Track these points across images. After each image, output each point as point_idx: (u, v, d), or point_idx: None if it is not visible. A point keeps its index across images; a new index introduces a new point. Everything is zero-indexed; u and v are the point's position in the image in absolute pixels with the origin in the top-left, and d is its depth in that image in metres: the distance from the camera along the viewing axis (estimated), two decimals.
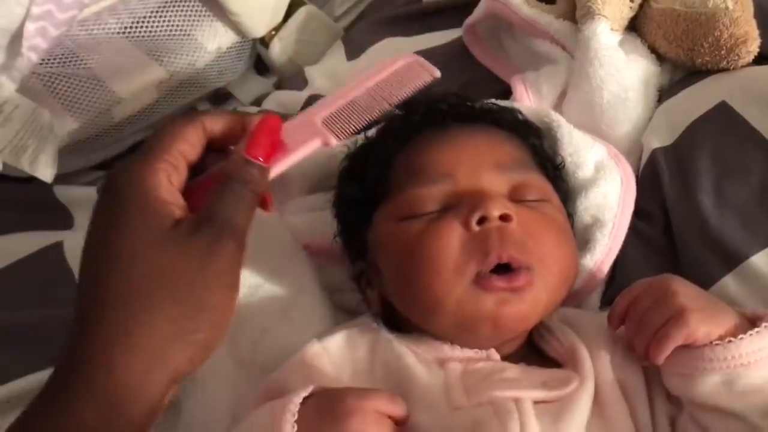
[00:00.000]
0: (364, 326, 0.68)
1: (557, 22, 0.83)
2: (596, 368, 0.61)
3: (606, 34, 0.77)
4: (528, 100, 0.80)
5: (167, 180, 0.50)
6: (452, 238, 0.60)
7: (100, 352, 0.46)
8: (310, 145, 0.56)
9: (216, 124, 0.54)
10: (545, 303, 0.61)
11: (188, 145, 0.52)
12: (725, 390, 0.55)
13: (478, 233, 0.59)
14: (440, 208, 0.62)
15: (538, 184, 0.65)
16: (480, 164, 0.63)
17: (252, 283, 0.74)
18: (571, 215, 0.72)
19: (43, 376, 0.79)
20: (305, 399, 0.54)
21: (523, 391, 0.58)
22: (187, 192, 0.52)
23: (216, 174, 0.53)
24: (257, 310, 0.73)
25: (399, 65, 0.60)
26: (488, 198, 0.60)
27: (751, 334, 0.54)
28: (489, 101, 0.77)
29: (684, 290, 0.57)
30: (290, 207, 0.85)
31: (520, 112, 0.74)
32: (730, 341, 0.54)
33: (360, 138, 0.76)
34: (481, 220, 0.59)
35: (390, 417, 0.54)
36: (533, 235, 0.60)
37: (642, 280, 0.60)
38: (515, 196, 0.63)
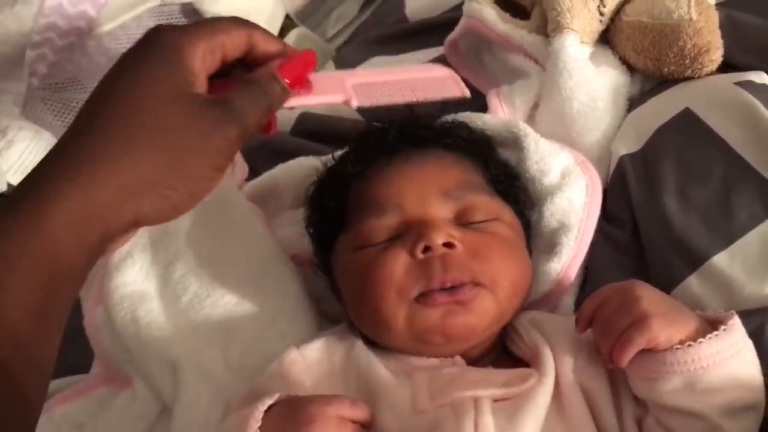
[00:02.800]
0: (341, 333, 0.72)
1: (530, 37, 0.86)
2: (559, 370, 0.63)
3: (575, 47, 0.80)
4: (502, 112, 0.83)
5: (202, 57, 0.52)
6: (398, 265, 0.64)
7: (82, 173, 0.48)
8: (332, 96, 0.61)
9: (261, 38, 0.56)
10: (494, 314, 0.65)
11: (230, 41, 0.55)
12: (686, 392, 0.56)
13: (423, 261, 0.63)
14: (390, 237, 0.66)
15: (485, 205, 0.68)
16: (426, 192, 0.67)
17: (242, 292, 0.77)
18: (528, 223, 0.75)
19: (52, 386, 0.82)
20: (272, 406, 0.58)
21: (482, 390, 0.60)
22: (211, 85, 0.55)
23: (243, 78, 0.56)
24: (247, 317, 0.76)
25: (438, 73, 0.66)
26: (432, 227, 0.64)
27: (710, 338, 0.56)
28: (460, 115, 0.80)
29: (647, 295, 0.59)
30: (279, 220, 0.88)
31: (472, 130, 0.77)
32: (690, 345, 0.56)
33: (335, 155, 0.80)
34: (426, 249, 0.63)
35: (354, 421, 0.58)
36: (479, 256, 0.64)
37: (609, 285, 0.62)
38: (462, 219, 0.67)
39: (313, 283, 0.81)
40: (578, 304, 0.76)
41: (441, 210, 0.66)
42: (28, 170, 0.94)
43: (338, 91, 0.61)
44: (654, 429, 0.60)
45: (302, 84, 0.58)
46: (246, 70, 0.57)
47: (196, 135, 0.51)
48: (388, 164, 0.70)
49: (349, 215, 0.71)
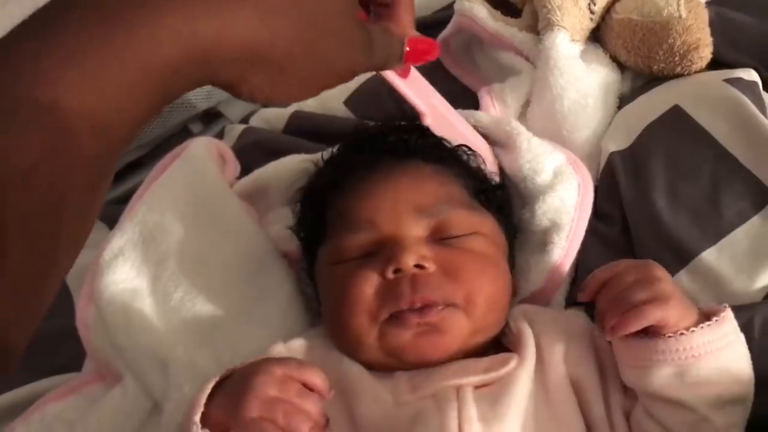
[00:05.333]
0: (325, 331, 0.72)
1: (521, 35, 0.86)
2: (549, 362, 0.63)
3: (565, 44, 0.80)
4: (494, 110, 0.83)
5: None
6: (369, 285, 0.64)
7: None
8: (417, 100, 0.70)
9: None
10: (469, 330, 0.64)
11: None
12: (677, 381, 0.57)
13: (393, 281, 0.63)
14: (364, 254, 0.66)
15: (462, 219, 0.67)
16: (400, 210, 0.66)
17: (234, 290, 0.77)
18: (514, 229, 0.75)
19: (44, 385, 0.82)
20: (225, 380, 0.58)
21: (464, 378, 0.61)
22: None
23: (380, 22, 0.58)
24: (238, 316, 0.76)
25: (479, 142, 0.77)
26: (403, 249, 0.63)
27: (702, 327, 0.56)
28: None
29: (666, 277, 0.60)
30: (270, 218, 0.88)
31: (447, 141, 0.76)
32: (682, 333, 0.56)
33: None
34: (397, 270, 0.63)
35: (306, 385, 0.56)
36: (452, 275, 0.64)
37: (623, 260, 0.62)
38: (437, 235, 0.66)
39: (305, 280, 0.81)
40: (569, 300, 0.76)
41: (414, 228, 0.66)
42: None
43: (423, 99, 0.68)
44: (642, 419, 0.61)
45: (415, 59, 0.60)
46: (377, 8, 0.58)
47: (341, 32, 0.49)
48: (363, 178, 0.70)
49: (326, 227, 0.71)
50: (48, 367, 0.85)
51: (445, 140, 0.75)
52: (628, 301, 0.57)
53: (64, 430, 0.76)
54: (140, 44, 0.39)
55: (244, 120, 1.15)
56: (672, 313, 0.57)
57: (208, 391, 0.56)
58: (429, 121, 0.64)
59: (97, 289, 0.76)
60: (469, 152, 0.76)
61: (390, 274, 0.63)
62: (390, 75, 0.65)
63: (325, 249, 0.70)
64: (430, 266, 0.63)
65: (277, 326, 0.76)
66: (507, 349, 0.67)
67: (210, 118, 1.21)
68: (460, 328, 0.63)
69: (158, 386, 0.75)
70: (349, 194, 0.70)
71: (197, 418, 0.54)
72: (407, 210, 0.66)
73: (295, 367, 0.56)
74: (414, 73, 0.67)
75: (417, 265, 0.63)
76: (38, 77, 0.37)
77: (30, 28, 0.39)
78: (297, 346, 0.69)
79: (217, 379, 0.58)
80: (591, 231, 0.75)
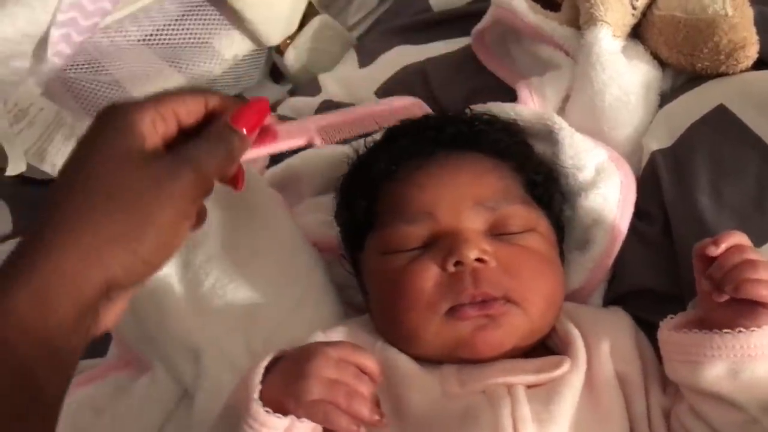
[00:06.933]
0: (366, 322, 0.71)
1: (561, 29, 0.85)
2: (594, 359, 0.63)
3: (608, 40, 0.79)
4: (532, 104, 0.82)
5: (150, 121, 0.54)
6: (428, 278, 0.63)
7: (42, 246, 0.49)
8: (296, 140, 0.64)
9: (217, 101, 0.58)
10: (525, 330, 0.64)
11: (184, 108, 0.56)
12: (729, 379, 0.56)
13: (453, 274, 0.62)
14: (421, 245, 0.65)
15: (520, 215, 0.67)
16: (460, 202, 0.65)
17: (265, 278, 0.77)
18: (562, 227, 0.74)
19: None
20: (276, 362, 0.58)
21: (515, 377, 0.60)
22: None
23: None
24: (270, 305, 0.76)
25: (402, 102, 0.67)
26: (465, 241, 0.63)
27: (762, 328, 0.55)
28: (492, 105, 0.79)
29: None
30: (300, 208, 0.87)
31: (510, 132, 0.75)
32: (740, 331, 0.55)
33: (368, 141, 0.79)
34: (457, 263, 0.62)
35: (361, 368, 0.57)
36: (512, 271, 0.63)
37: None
38: (496, 230, 0.65)
39: (336, 270, 0.81)
40: (606, 299, 0.75)
41: (474, 221, 0.65)
42: (47, 153, 0.94)
43: (302, 134, 0.63)
44: (686, 417, 0.60)
45: (264, 131, 0.59)
46: None
47: (148, 185, 0.51)
48: (421, 167, 0.69)
49: (378, 215, 0.70)
50: None
51: (504, 133, 0.74)
52: (754, 272, 0.56)
53: (92, 417, 0.76)
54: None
55: (272, 108, 1.14)
56: None
57: (262, 370, 0.56)
58: (318, 143, 0.63)
59: None
60: (525, 147, 0.75)
61: (451, 267, 0.62)
62: (254, 153, 0.62)
63: (376, 238, 0.69)
64: (491, 261, 0.63)
65: (309, 315, 0.76)
66: (551, 349, 0.66)
67: None
68: (517, 326, 0.63)
69: (188, 374, 0.74)
70: (405, 183, 0.68)
71: (257, 395, 0.54)
72: (467, 203, 0.65)
73: (351, 350, 0.57)
74: (283, 125, 0.65)
75: (478, 259, 0.62)
76: None
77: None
78: (337, 334, 0.68)
79: (269, 359, 0.58)
80: (630, 229, 0.74)
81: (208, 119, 0.58)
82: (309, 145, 0.63)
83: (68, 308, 0.48)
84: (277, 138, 0.62)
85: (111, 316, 0.54)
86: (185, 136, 0.56)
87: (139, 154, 0.52)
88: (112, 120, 0.53)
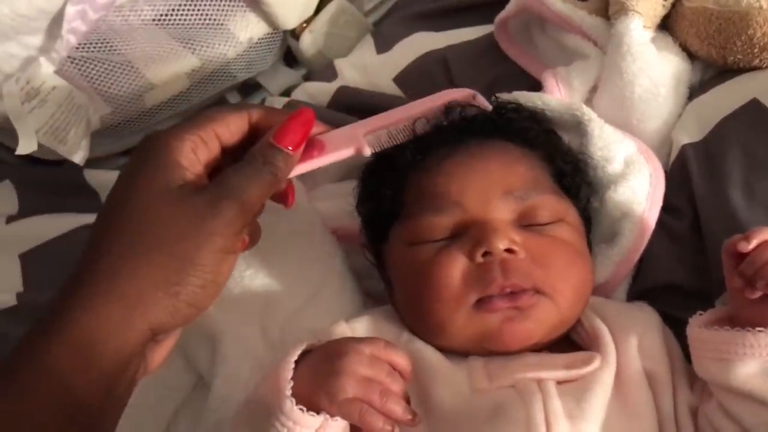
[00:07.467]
0: (388, 315, 0.70)
1: (590, 18, 0.83)
2: (623, 355, 0.62)
3: (639, 30, 0.78)
4: (559, 93, 0.81)
5: (191, 149, 0.52)
6: (456, 268, 0.62)
7: (82, 296, 0.48)
8: (345, 151, 0.59)
9: (261, 115, 0.56)
10: (554, 322, 0.63)
11: (226, 128, 0.54)
12: (762, 378, 0.55)
13: (482, 265, 0.61)
14: (449, 235, 0.64)
15: (549, 205, 0.66)
16: (489, 191, 0.64)
17: (283, 265, 0.75)
18: (589, 218, 0.73)
19: None
20: (304, 355, 0.57)
21: (545, 372, 0.59)
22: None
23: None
24: (287, 292, 0.75)
25: (453, 96, 0.64)
26: (493, 231, 0.61)
27: None
28: (518, 94, 0.78)
29: None
30: (320, 193, 0.86)
31: (538, 120, 0.74)
32: None
33: None
34: (486, 254, 0.61)
35: (392, 365, 0.55)
36: (541, 262, 0.62)
37: None
38: (525, 221, 0.64)
39: (355, 258, 0.79)
40: (630, 295, 0.74)
41: (503, 211, 0.64)
42: (59, 131, 0.92)
43: (350, 143, 0.59)
44: (715, 416, 0.59)
45: (310, 144, 0.57)
46: None
47: (189, 223, 0.50)
48: (449, 156, 0.67)
49: (404, 205, 0.69)
50: None
51: (533, 123, 0.72)
52: None
53: None
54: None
55: (286, 93, 1.12)
56: None
57: (292, 366, 0.55)
58: (367, 151, 0.60)
59: None
60: (554, 136, 0.73)
61: (479, 258, 0.61)
62: (302, 168, 0.58)
63: (402, 228, 0.68)
64: (521, 252, 0.62)
65: (327, 303, 0.75)
66: (575, 343, 0.65)
67: (248, 89, 1.18)
68: (546, 317, 0.62)
69: (205, 362, 0.73)
70: (433, 173, 0.67)
71: (289, 391, 0.53)
72: (496, 192, 0.64)
73: (383, 347, 0.55)
74: (329, 134, 0.61)
75: (507, 250, 0.61)
76: None
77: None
78: (361, 325, 0.67)
79: (297, 353, 0.56)
80: (658, 223, 0.73)
81: (253, 133, 0.56)
82: (357, 153, 0.60)
83: (112, 358, 0.47)
84: (325, 150, 0.59)
85: (159, 357, 0.53)
86: (231, 156, 0.55)
87: (177, 190, 0.51)
88: (152, 154, 0.52)
